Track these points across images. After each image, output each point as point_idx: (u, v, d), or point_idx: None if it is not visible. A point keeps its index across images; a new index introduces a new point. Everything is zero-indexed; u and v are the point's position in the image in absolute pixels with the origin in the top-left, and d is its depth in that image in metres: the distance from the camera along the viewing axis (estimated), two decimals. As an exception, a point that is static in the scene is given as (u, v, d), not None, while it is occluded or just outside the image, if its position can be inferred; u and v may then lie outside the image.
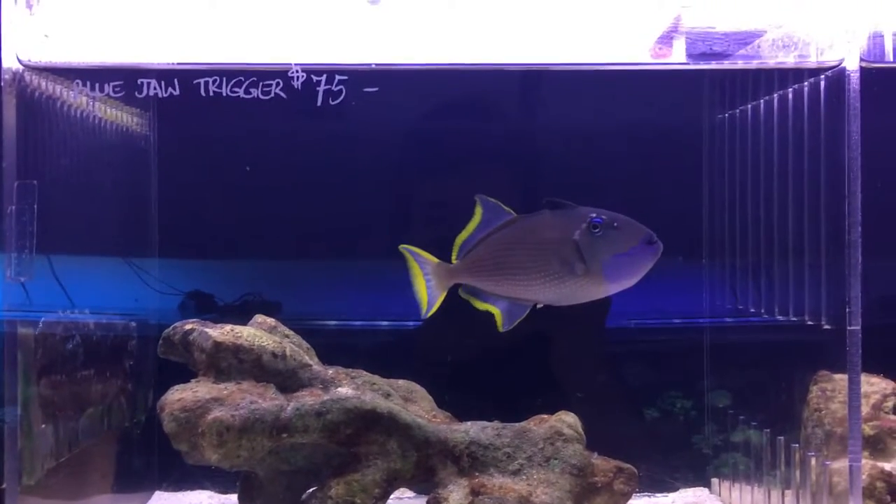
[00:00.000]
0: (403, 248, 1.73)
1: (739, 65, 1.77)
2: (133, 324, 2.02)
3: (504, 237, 1.67)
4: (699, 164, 2.15)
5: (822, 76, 1.68)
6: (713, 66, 1.76)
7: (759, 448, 1.94)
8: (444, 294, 1.72)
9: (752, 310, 1.97)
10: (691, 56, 1.75)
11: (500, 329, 1.69)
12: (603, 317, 2.08)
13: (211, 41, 1.64)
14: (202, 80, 1.58)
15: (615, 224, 1.58)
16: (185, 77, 1.60)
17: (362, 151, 2.14)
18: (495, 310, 1.69)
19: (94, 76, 1.64)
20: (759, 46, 1.75)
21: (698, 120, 2.14)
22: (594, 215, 1.59)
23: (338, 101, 1.61)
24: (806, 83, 1.74)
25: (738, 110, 2.02)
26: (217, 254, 2.19)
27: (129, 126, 2.01)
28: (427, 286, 1.72)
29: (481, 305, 1.71)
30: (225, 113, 1.92)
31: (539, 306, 1.68)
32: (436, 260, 1.72)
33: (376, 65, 1.66)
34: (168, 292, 2.15)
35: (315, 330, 1.84)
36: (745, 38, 1.76)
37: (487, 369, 2.15)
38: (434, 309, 1.72)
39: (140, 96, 1.59)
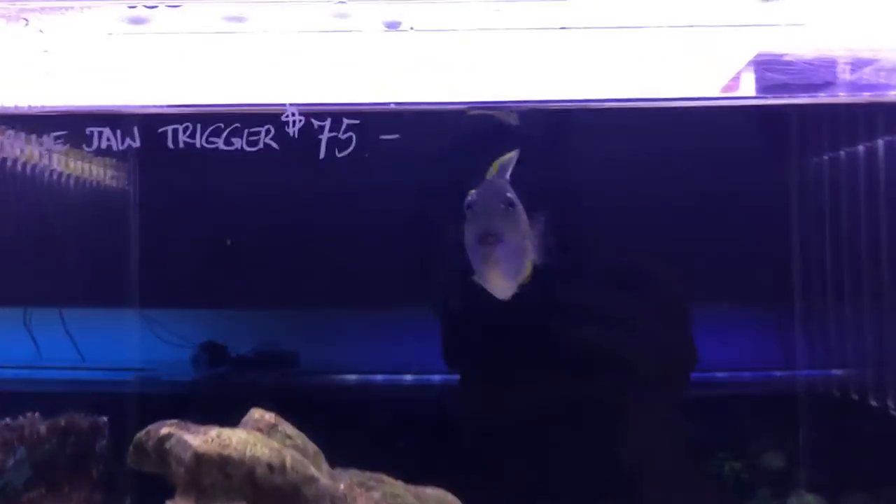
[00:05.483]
0: None
1: (842, 98, 1.47)
2: (104, 419, 1.67)
3: None
4: (785, 212, 1.83)
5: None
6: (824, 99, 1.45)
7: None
8: None
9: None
10: (778, 89, 1.45)
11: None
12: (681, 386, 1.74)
13: (182, 78, 1.30)
14: (169, 128, 1.24)
15: (471, 208, 1.27)
16: (148, 123, 1.26)
17: (382, 196, 1.85)
18: None
19: (29, 123, 1.31)
20: (869, 75, 1.44)
21: (788, 163, 1.81)
22: (471, 193, 1.27)
23: (346, 152, 1.27)
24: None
25: (842, 151, 1.67)
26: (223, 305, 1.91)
27: (101, 179, 1.64)
28: None
29: None
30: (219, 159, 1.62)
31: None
32: None
33: (395, 104, 1.32)
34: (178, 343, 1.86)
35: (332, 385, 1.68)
36: (851, 66, 1.45)
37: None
38: None
39: (89, 150, 1.25)
